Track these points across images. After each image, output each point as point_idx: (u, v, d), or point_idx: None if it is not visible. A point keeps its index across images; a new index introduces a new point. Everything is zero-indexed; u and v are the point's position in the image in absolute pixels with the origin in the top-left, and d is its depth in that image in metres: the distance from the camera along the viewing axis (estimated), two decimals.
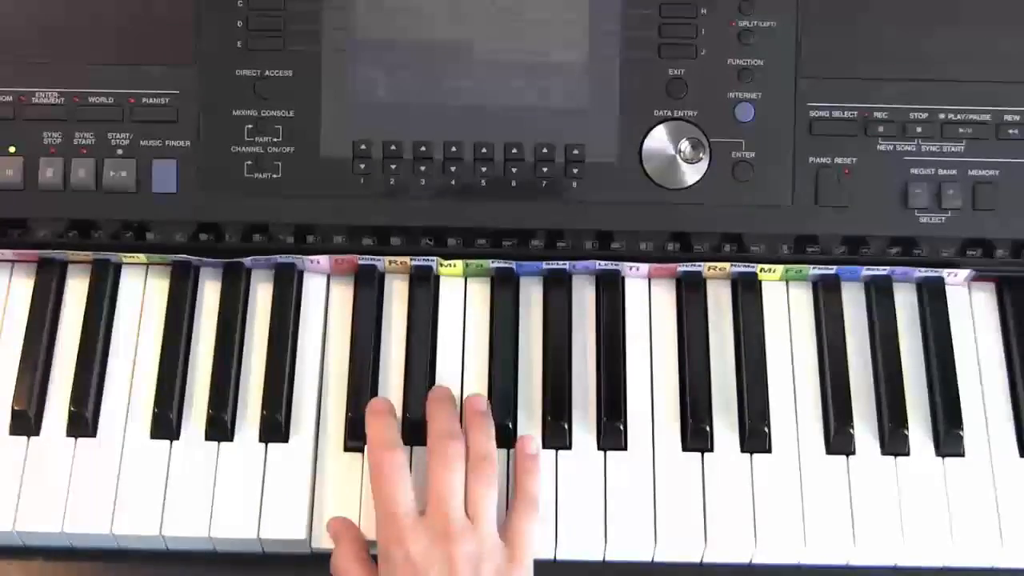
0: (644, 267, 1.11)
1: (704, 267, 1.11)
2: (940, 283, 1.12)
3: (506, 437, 1.06)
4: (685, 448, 1.07)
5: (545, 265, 1.11)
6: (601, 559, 1.05)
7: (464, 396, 1.08)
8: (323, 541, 1.04)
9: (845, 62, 1.08)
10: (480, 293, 1.12)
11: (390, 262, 1.11)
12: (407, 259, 1.11)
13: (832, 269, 1.11)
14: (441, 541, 0.98)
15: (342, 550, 1.02)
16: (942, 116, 1.08)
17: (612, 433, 1.06)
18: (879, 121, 1.08)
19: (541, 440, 1.07)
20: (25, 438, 1.06)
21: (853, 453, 1.06)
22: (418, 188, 1.08)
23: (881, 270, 1.11)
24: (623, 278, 1.12)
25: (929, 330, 1.11)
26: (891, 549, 1.04)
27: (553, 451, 1.07)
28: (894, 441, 1.06)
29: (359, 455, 1.06)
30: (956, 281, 1.12)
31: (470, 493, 1.01)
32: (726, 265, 1.11)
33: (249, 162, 1.08)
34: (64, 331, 1.10)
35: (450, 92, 1.08)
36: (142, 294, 1.12)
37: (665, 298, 1.12)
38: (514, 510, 1.03)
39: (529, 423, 1.08)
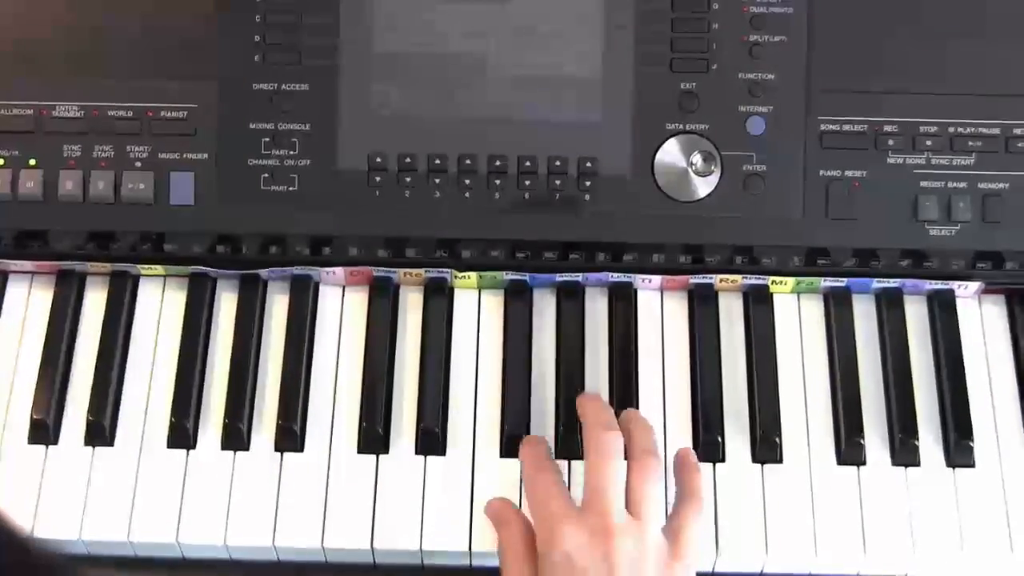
0: (656, 279, 1.12)
1: (716, 279, 1.12)
2: (950, 295, 1.12)
3: (514, 451, 1.07)
4: (697, 459, 1.07)
5: (558, 277, 1.12)
6: None
7: (478, 407, 1.09)
8: (335, 545, 1.05)
9: (855, 76, 1.09)
10: (494, 304, 1.13)
11: (405, 274, 1.12)
12: (421, 271, 1.12)
13: (843, 281, 1.12)
14: (600, 537, 0.93)
15: (510, 531, 0.99)
16: (951, 130, 1.09)
17: None
18: (889, 134, 1.09)
19: (554, 451, 1.07)
20: (44, 447, 1.07)
21: (864, 463, 1.07)
22: (432, 201, 1.09)
23: (892, 282, 1.12)
24: (636, 290, 1.13)
25: (940, 342, 1.11)
26: (902, 558, 1.04)
27: (566, 461, 1.07)
28: (904, 452, 1.07)
29: (372, 463, 1.07)
30: (966, 293, 1.13)
31: (633, 488, 0.97)
32: (738, 277, 1.11)
33: (266, 175, 1.09)
34: (82, 341, 1.11)
35: (465, 105, 1.09)
36: (160, 305, 1.13)
37: (677, 310, 1.13)
38: (680, 507, 1.01)
39: (542, 434, 1.08)
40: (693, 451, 1.06)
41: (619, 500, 0.96)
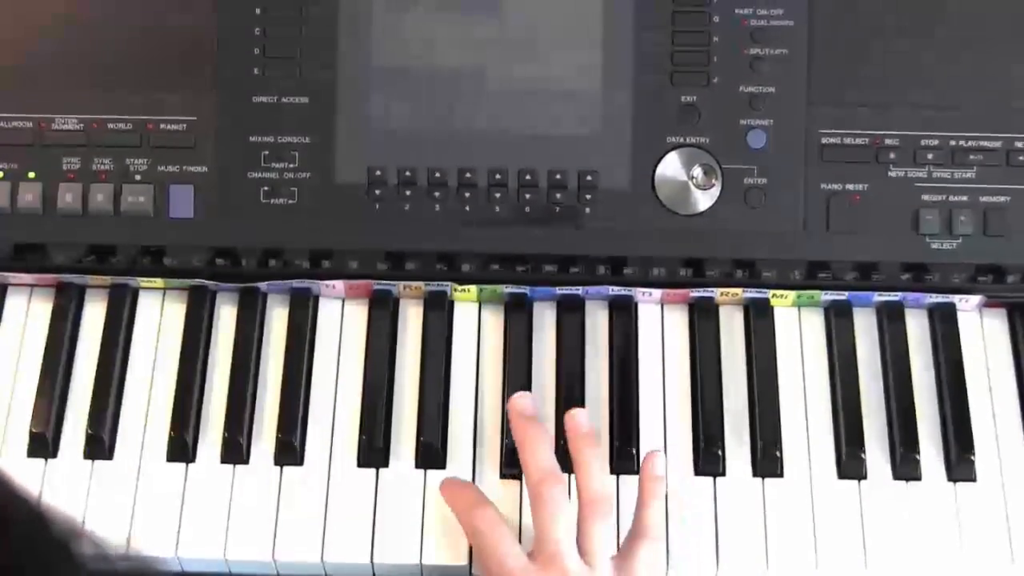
0: (657, 293, 1.12)
1: (717, 293, 1.11)
2: (952, 309, 1.12)
3: (516, 462, 1.06)
4: (697, 472, 1.07)
5: (559, 290, 1.12)
6: None
7: (478, 421, 1.09)
8: (334, 559, 1.04)
9: (856, 89, 1.09)
10: (494, 318, 1.13)
11: (404, 287, 1.12)
12: (421, 284, 1.11)
13: (844, 295, 1.11)
14: None
15: None
16: (953, 143, 1.09)
17: (625, 458, 1.07)
18: (890, 147, 1.09)
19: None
20: (43, 460, 1.07)
21: (865, 478, 1.07)
22: (432, 214, 1.09)
23: (893, 296, 1.11)
24: (636, 303, 1.13)
25: (941, 356, 1.11)
26: (903, 573, 1.04)
27: (566, 475, 1.07)
28: (905, 466, 1.07)
29: (371, 477, 1.07)
30: (968, 307, 1.12)
31: (583, 532, 0.98)
32: (738, 291, 1.11)
33: (265, 188, 1.09)
34: (82, 354, 1.11)
35: (464, 119, 1.09)
36: (159, 318, 1.13)
37: (678, 323, 1.13)
38: (630, 543, 1.00)
39: None
40: (660, 464, 1.03)
41: (573, 554, 0.96)
